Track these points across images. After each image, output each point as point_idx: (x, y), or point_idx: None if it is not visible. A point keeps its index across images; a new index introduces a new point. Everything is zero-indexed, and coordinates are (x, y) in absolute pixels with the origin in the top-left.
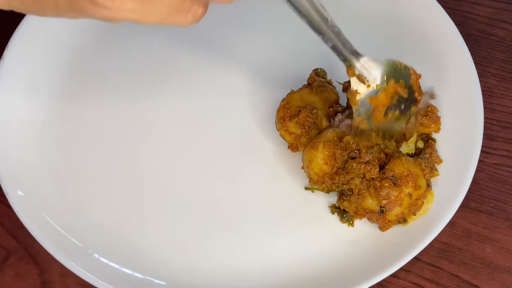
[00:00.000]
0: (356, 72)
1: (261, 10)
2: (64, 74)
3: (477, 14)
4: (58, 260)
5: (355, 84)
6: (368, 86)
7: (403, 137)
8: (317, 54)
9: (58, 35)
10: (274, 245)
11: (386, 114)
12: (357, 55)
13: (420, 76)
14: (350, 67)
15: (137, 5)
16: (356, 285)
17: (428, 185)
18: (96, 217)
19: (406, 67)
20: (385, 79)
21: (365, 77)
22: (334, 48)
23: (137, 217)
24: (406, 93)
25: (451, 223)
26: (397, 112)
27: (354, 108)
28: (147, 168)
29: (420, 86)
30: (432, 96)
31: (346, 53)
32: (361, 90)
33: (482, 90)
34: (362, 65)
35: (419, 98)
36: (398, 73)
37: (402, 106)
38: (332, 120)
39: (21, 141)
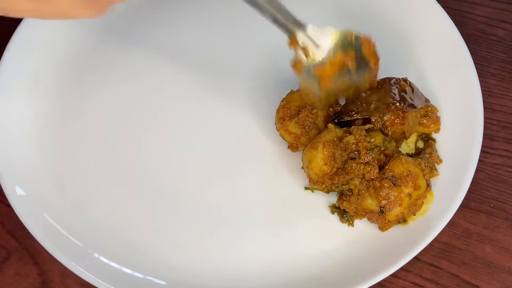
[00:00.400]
0: (300, 44)
1: None
2: (64, 74)
3: (477, 14)
4: (58, 260)
5: (299, 55)
6: (313, 60)
7: (403, 136)
8: None
9: (57, 35)
10: (274, 245)
11: (334, 82)
12: (301, 25)
13: (374, 44)
14: (292, 38)
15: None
16: (356, 285)
17: (428, 185)
18: (96, 217)
19: (357, 37)
20: (332, 50)
21: (310, 49)
22: (275, 21)
23: (137, 217)
24: (354, 64)
25: (451, 223)
26: (346, 79)
27: (299, 75)
28: (147, 168)
29: (376, 53)
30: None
31: (288, 24)
32: (305, 61)
33: (482, 90)
34: (307, 35)
35: (373, 66)
36: (347, 43)
37: (353, 74)
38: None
39: (21, 141)
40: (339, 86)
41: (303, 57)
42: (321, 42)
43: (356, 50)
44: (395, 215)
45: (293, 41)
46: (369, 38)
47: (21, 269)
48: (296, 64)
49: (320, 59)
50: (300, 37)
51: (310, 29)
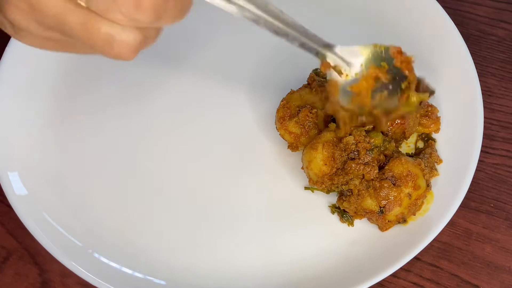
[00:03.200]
0: (332, 64)
1: None
2: (64, 74)
3: (477, 14)
4: (58, 260)
5: (333, 75)
6: (347, 76)
7: (403, 136)
8: None
9: None
10: (274, 245)
11: (373, 97)
12: (330, 46)
13: (402, 54)
14: (323, 60)
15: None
16: (356, 285)
17: (428, 185)
18: (96, 217)
19: (387, 48)
20: (364, 65)
21: (342, 68)
22: (303, 46)
23: (137, 217)
24: (388, 77)
25: (451, 223)
26: (385, 92)
27: (335, 98)
28: (147, 168)
29: (410, 63)
30: (431, 93)
31: (317, 47)
32: (340, 79)
33: (482, 90)
34: (337, 55)
35: (409, 73)
36: (377, 57)
37: (390, 86)
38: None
39: (21, 141)
40: (379, 101)
41: (338, 77)
42: (352, 60)
43: (388, 63)
44: (395, 215)
45: (324, 64)
46: (400, 49)
47: (21, 269)
48: (331, 85)
49: (354, 76)
50: (331, 57)
51: (339, 48)
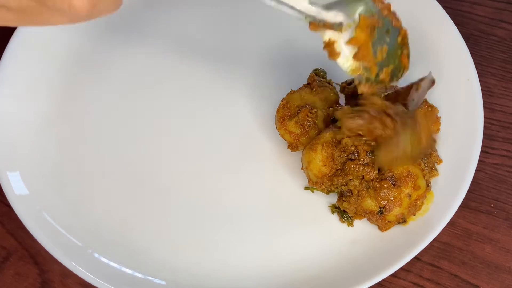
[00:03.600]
0: (321, 23)
1: (261, 10)
2: (64, 74)
3: (477, 14)
4: (58, 260)
5: (327, 34)
6: (340, 30)
7: None
8: (317, 54)
9: (57, 35)
10: (274, 245)
11: (374, 53)
12: (314, 3)
13: (389, 4)
14: (311, 21)
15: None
16: (356, 285)
17: (428, 185)
18: (96, 216)
19: (369, 0)
20: (353, 15)
21: (333, 24)
22: (289, 8)
23: (137, 217)
24: (382, 23)
25: (451, 223)
26: (385, 47)
27: (339, 60)
28: (147, 168)
29: (395, 13)
30: (432, 82)
31: (301, 8)
32: (335, 37)
33: (482, 90)
34: (324, 12)
35: (398, 24)
36: (364, 7)
37: (387, 39)
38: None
39: (21, 141)
40: (382, 58)
41: (333, 34)
42: (340, 13)
43: (377, 12)
44: (394, 215)
45: (312, 24)
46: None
47: (21, 269)
48: (329, 46)
49: (347, 27)
50: (317, 16)
51: (322, 5)
